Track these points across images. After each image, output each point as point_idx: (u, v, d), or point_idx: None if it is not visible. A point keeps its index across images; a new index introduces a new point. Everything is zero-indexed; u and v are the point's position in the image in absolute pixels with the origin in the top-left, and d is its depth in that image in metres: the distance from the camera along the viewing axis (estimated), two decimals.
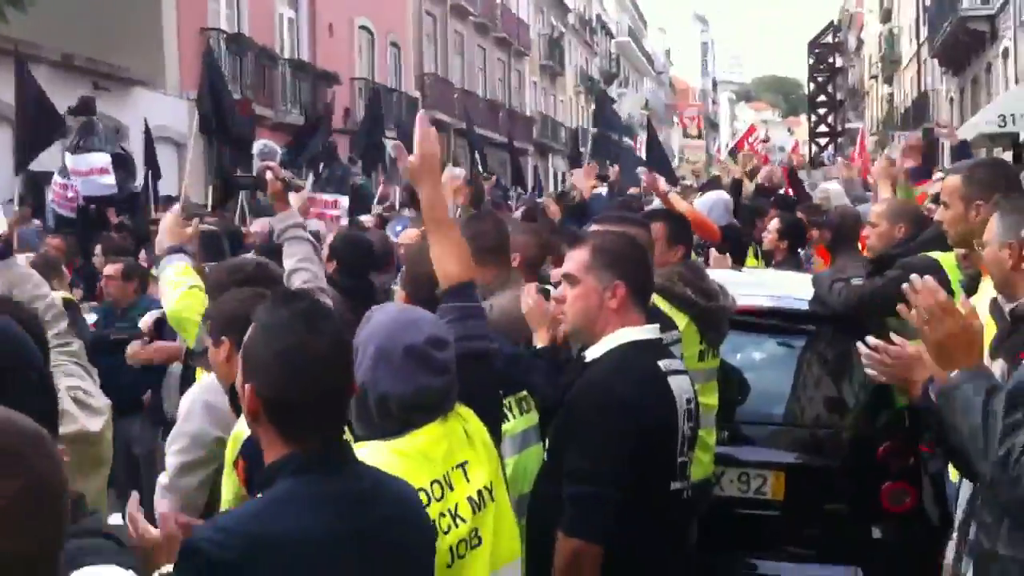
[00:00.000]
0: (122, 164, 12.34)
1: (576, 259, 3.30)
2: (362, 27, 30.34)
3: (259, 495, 2.18)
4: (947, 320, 2.61)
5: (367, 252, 6.04)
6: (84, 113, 13.27)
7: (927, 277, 2.76)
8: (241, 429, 3.03)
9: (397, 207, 13.02)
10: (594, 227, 4.84)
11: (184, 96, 20.32)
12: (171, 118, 18.69)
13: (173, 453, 3.59)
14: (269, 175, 4.25)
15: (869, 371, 3.04)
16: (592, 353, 3.26)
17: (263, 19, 24.61)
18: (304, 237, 4.07)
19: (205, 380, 3.70)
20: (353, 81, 28.86)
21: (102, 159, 11.74)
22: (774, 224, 8.14)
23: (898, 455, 4.92)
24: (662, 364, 3.22)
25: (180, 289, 4.37)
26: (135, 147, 17.91)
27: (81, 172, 11.74)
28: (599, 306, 3.23)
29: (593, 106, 49.18)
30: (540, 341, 3.89)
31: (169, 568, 2.11)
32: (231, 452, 3.07)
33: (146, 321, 6.34)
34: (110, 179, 11.63)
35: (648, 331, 3.28)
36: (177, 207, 5.32)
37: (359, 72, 29.68)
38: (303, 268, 3.98)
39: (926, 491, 4.92)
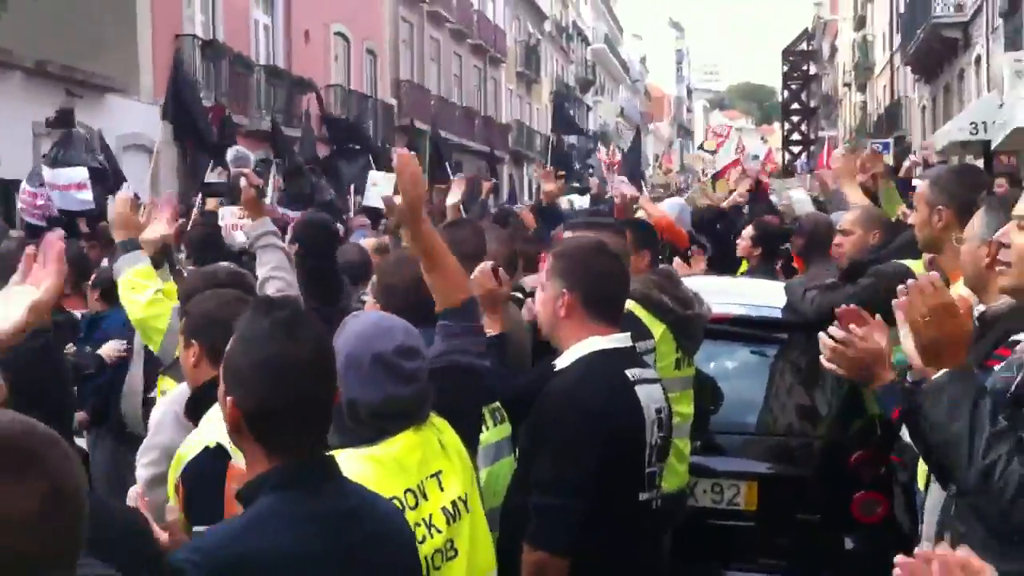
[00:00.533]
0: (100, 178, 11.99)
1: (545, 265, 3.36)
2: (338, 33, 30.27)
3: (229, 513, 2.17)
4: (948, 321, 2.59)
5: (330, 233, 5.97)
6: (63, 125, 12.98)
7: (934, 274, 2.73)
8: (186, 450, 2.98)
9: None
10: (566, 233, 4.86)
11: (158, 103, 20.20)
12: (145, 125, 18.57)
13: (143, 466, 3.55)
14: (243, 182, 4.23)
15: (828, 364, 3.01)
16: (561, 362, 3.26)
17: (238, 25, 24.52)
18: (277, 245, 4.05)
19: (175, 391, 3.67)
20: (329, 88, 28.77)
21: (80, 174, 11.51)
22: (748, 231, 8.17)
23: (870, 464, 4.92)
24: (630, 373, 3.22)
25: (145, 294, 4.28)
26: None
27: (58, 186, 11.51)
28: (555, 313, 3.26)
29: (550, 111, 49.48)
30: (492, 328, 3.76)
31: None
32: (172, 474, 3.01)
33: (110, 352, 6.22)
34: (87, 195, 11.36)
35: (616, 340, 3.27)
36: (127, 191, 5.19)
37: (335, 79, 29.60)
38: (276, 276, 3.96)
39: (898, 501, 4.92)
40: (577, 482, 3.02)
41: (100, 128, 13.98)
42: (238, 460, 2.71)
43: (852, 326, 2.84)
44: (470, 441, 2.95)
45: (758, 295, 5.97)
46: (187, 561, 2.00)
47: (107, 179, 12.13)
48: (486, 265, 3.87)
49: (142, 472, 3.55)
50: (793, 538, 4.99)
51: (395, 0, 34.23)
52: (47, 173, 11.62)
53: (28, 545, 1.41)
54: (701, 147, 17.27)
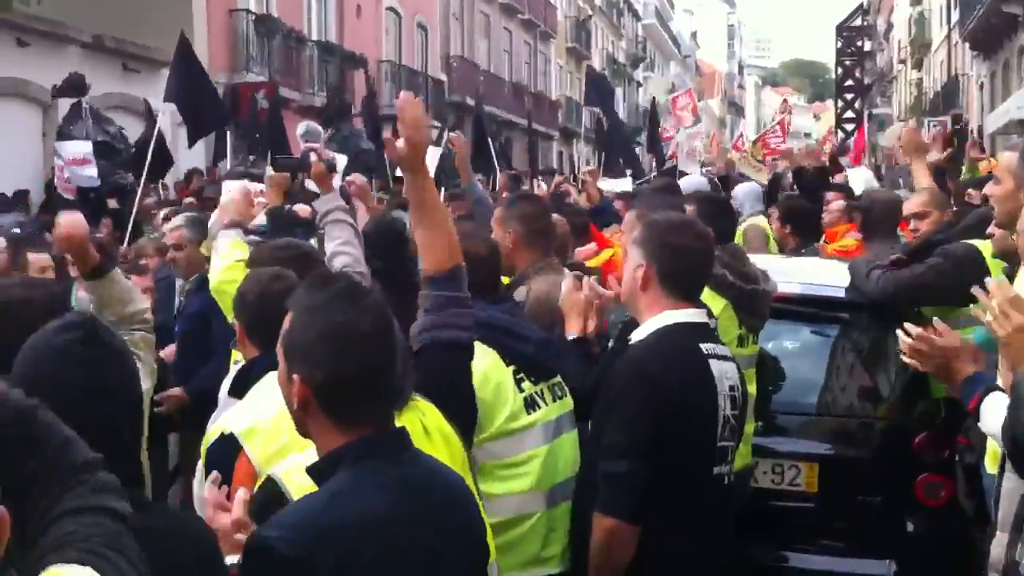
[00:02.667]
0: (107, 153, 11.51)
1: (632, 228, 3.47)
2: (389, 8, 30.28)
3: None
4: (1014, 315, 2.55)
5: (398, 234, 5.98)
6: (73, 94, 12.28)
7: (1001, 277, 2.71)
8: (211, 432, 3.00)
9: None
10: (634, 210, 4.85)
11: (213, 79, 20.34)
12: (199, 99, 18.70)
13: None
14: (313, 157, 4.23)
15: (908, 360, 2.97)
16: (637, 335, 3.30)
17: (291, 1, 24.60)
18: (346, 220, 4.04)
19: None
20: (380, 63, 28.82)
21: (83, 148, 11.15)
22: (774, 211, 8.14)
23: (934, 446, 4.86)
24: (704, 347, 3.22)
25: (225, 260, 4.31)
26: (165, 129, 18.02)
27: (67, 160, 11.29)
28: (633, 280, 3.30)
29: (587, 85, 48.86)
30: (572, 330, 3.86)
31: (233, 559, 2.08)
32: (202, 453, 3.02)
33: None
34: (91, 170, 11.05)
35: (691, 315, 3.29)
36: (247, 183, 5.21)
37: (386, 54, 29.63)
38: (344, 252, 3.96)
39: (961, 484, 4.86)
40: (643, 448, 3.03)
41: (157, 104, 14.04)
42: (250, 451, 2.75)
43: (923, 331, 2.85)
44: (461, 421, 2.86)
45: (819, 274, 5.90)
46: (278, 539, 1.99)
47: (117, 154, 11.75)
48: (571, 276, 3.90)
49: None
50: (854, 520, 4.93)
51: None
52: (57, 145, 11.53)
53: None
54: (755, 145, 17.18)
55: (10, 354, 2.06)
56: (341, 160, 10.44)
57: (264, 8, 23.18)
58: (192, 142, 11.53)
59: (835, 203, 8.32)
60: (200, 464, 3.04)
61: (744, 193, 9.69)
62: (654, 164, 20.47)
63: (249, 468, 2.76)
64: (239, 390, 3.17)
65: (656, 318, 3.26)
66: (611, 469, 3.07)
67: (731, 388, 3.24)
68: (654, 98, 20.04)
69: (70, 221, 3.57)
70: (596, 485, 3.13)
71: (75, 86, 12.28)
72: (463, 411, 2.91)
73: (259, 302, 3.25)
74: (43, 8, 15.21)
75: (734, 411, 3.25)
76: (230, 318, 4.27)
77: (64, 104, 12.51)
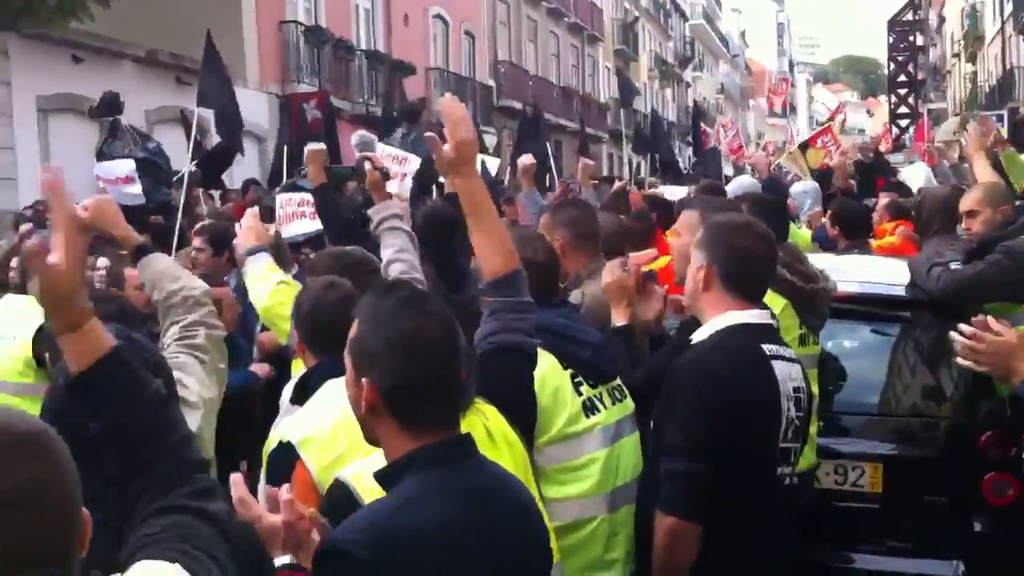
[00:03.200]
0: (150, 169, 11.24)
1: (695, 230, 3.44)
2: (436, 16, 30.44)
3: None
4: None
5: (450, 223, 5.98)
6: (108, 113, 12.09)
7: None
8: (270, 440, 3.02)
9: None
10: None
11: (264, 89, 20.59)
12: (251, 112, 18.89)
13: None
14: (368, 165, 4.24)
15: (963, 361, 2.93)
16: (698, 335, 3.28)
17: (340, 10, 24.83)
18: (401, 228, 4.06)
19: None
20: (428, 71, 28.97)
21: (126, 167, 10.94)
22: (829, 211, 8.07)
23: (1000, 445, 4.77)
24: (767, 348, 3.19)
25: (269, 285, 4.33)
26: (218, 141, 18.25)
27: (109, 181, 11.06)
28: (694, 280, 3.29)
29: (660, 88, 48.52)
30: (618, 319, 3.87)
31: (285, 559, 2.10)
32: (263, 460, 3.05)
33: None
34: (136, 188, 10.83)
35: (754, 315, 3.26)
36: (255, 209, 5.27)
37: (434, 62, 29.79)
38: (400, 259, 3.97)
39: None
40: (704, 448, 3.00)
41: (209, 117, 14.19)
42: (307, 459, 2.77)
43: (977, 330, 2.81)
44: (523, 425, 2.85)
45: (880, 273, 5.83)
46: (350, 543, 2.01)
47: (159, 170, 11.43)
48: (614, 262, 3.90)
49: None
50: (920, 520, 4.86)
51: None
52: (96, 168, 11.19)
53: None
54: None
55: None
56: (414, 161, 10.31)
57: (313, 19, 23.41)
58: (230, 147, 11.51)
59: (881, 201, 8.24)
60: (262, 469, 3.06)
61: (802, 192, 9.59)
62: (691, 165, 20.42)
63: (306, 477, 2.78)
64: (300, 397, 3.21)
65: (719, 319, 3.25)
66: (672, 467, 3.05)
67: (795, 389, 3.20)
68: (695, 101, 19.77)
69: (97, 199, 3.62)
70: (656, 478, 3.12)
71: (111, 105, 12.16)
72: (525, 416, 2.91)
73: (314, 311, 3.29)
74: (98, 25, 15.46)
75: (799, 412, 3.21)
76: (283, 339, 4.31)
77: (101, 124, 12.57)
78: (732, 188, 8.53)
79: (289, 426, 2.99)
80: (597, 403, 3.49)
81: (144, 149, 11.36)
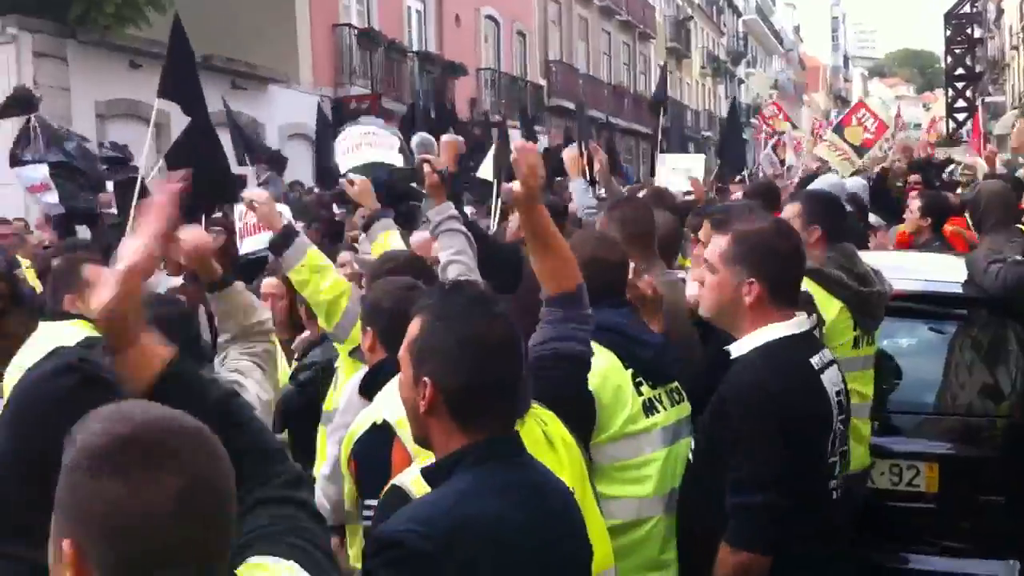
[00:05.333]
0: (67, 174, 9.75)
1: (716, 246, 3.20)
2: (488, 16, 30.51)
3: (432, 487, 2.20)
4: None
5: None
6: (16, 112, 10.22)
7: None
8: (356, 427, 3.07)
9: None
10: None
11: (317, 92, 20.78)
12: (304, 114, 19.13)
13: (334, 443, 3.67)
14: (426, 168, 4.27)
15: None
16: (737, 349, 3.16)
17: (392, 12, 24.99)
18: (459, 230, 4.08)
19: (363, 372, 3.77)
20: (479, 71, 29.05)
21: (39, 173, 9.60)
22: (916, 202, 7.89)
23: None
24: (814, 360, 3.13)
25: (331, 273, 4.30)
26: (271, 145, 18.45)
27: (29, 188, 9.86)
28: (734, 300, 3.14)
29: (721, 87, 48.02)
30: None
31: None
32: (345, 450, 3.10)
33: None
34: (52, 196, 9.56)
35: (797, 324, 3.16)
36: (263, 191, 5.11)
37: (485, 62, 29.86)
38: (458, 260, 4.01)
39: None
40: (776, 477, 2.91)
41: (263, 120, 14.33)
42: (404, 438, 2.78)
43: None
44: (579, 430, 2.85)
45: (935, 270, 5.77)
46: (408, 532, 2.04)
47: (79, 173, 9.88)
48: (649, 279, 3.86)
49: (332, 449, 3.67)
50: (977, 521, 4.80)
51: None
52: (18, 174, 9.90)
53: (159, 543, 1.40)
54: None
55: None
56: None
57: (366, 22, 23.57)
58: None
59: (914, 201, 8.12)
60: (341, 459, 3.10)
61: (853, 188, 9.49)
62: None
63: (405, 454, 2.82)
64: (369, 390, 3.25)
65: (759, 332, 3.13)
66: (742, 501, 2.95)
67: (838, 394, 3.15)
68: (735, 98, 19.20)
69: (195, 235, 3.67)
70: (705, 500, 3.04)
71: (21, 102, 10.27)
72: (580, 420, 2.90)
73: (395, 309, 3.30)
74: (154, 31, 15.70)
75: (841, 416, 3.16)
76: (329, 327, 4.30)
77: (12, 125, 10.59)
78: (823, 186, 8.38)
79: (380, 409, 3.02)
80: (657, 404, 3.49)
81: (60, 151, 9.84)
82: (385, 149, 7.94)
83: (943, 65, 51.62)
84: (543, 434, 2.65)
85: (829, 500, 3.13)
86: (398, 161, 8.14)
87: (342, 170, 8.15)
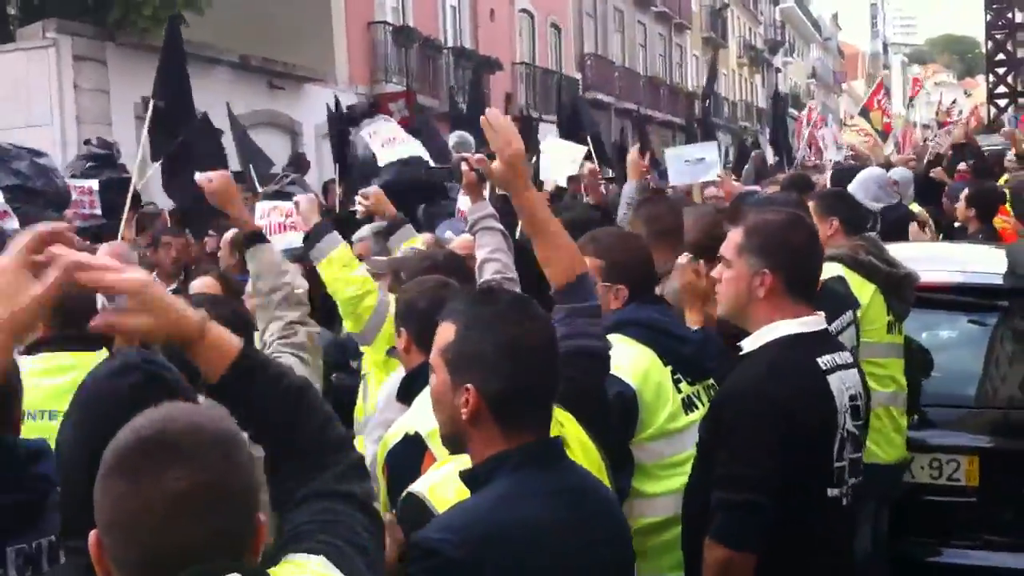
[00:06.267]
0: (25, 196, 8.83)
1: (730, 239, 3.14)
2: (522, 10, 30.48)
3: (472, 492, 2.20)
4: None
5: None
6: None
7: None
8: (390, 435, 3.06)
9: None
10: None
11: (353, 90, 20.88)
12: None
13: (372, 442, 3.69)
14: (464, 167, 4.28)
15: None
16: (748, 344, 3.10)
17: (427, 8, 25.03)
18: (496, 228, 4.10)
19: (401, 371, 3.79)
20: (515, 66, 29.04)
21: None
22: (964, 192, 7.82)
23: None
24: (822, 361, 3.01)
25: (359, 271, 4.33)
26: (308, 143, 18.56)
27: None
28: (748, 293, 3.06)
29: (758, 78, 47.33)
30: (692, 322, 3.78)
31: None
32: (380, 455, 3.10)
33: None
34: (13, 223, 8.35)
35: (809, 323, 3.07)
36: (308, 197, 5.10)
37: (519, 56, 29.84)
38: (495, 259, 4.02)
39: None
40: (765, 479, 2.85)
41: (301, 119, 14.34)
42: (436, 450, 2.77)
43: None
44: (597, 429, 2.80)
45: (975, 261, 5.72)
46: (441, 541, 2.05)
47: (35, 195, 8.82)
48: (686, 263, 3.82)
49: (371, 448, 3.69)
50: (1018, 514, 4.77)
51: None
52: None
53: (161, 541, 1.44)
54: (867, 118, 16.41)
55: (197, 374, 2.13)
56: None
57: (401, 19, 23.64)
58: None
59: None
60: (377, 468, 3.12)
61: (905, 179, 9.37)
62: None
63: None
64: (406, 395, 3.26)
65: (769, 328, 3.04)
66: (727, 497, 2.87)
67: (852, 398, 3.04)
68: (776, 90, 18.63)
69: (223, 175, 3.69)
70: (706, 505, 2.97)
71: None
72: (598, 419, 2.84)
73: (431, 310, 3.29)
74: (192, 32, 15.83)
75: (856, 422, 3.04)
76: (358, 328, 4.32)
77: None
78: (864, 179, 8.25)
79: (413, 420, 3.01)
80: (696, 400, 3.48)
81: (10, 173, 8.97)
82: (416, 143, 7.99)
83: (983, 51, 50.90)
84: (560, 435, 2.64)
85: (830, 507, 2.99)
86: (427, 155, 8.19)
87: (381, 162, 8.12)
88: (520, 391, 2.19)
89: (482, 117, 2.90)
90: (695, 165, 9.62)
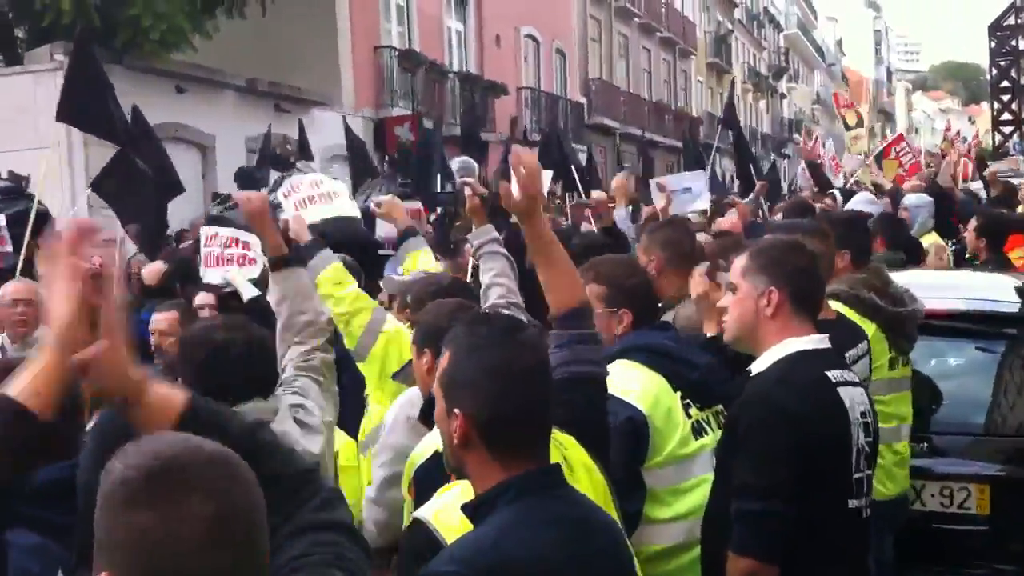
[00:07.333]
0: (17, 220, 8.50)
1: (735, 265, 3.22)
2: (528, 36, 30.61)
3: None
4: None
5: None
6: None
7: None
8: (418, 453, 3.07)
9: None
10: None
11: (359, 114, 20.94)
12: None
13: (379, 466, 3.68)
14: (467, 191, 4.29)
15: None
16: (757, 366, 3.14)
17: (432, 34, 25.13)
18: (500, 252, 4.10)
19: (408, 394, 3.78)
20: (520, 91, 29.14)
21: None
22: (972, 222, 7.82)
23: None
24: (831, 374, 3.07)
25: (349, 289, 4.31)
26: (314, 167, 18.57)
27: None
28: (755, 313, 3.12)
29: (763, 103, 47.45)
30: (709, 329, 3.82)
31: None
32: (407, 475, 3.11)
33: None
34: (7, 246, 8.52)
35: (816, 340, 3.13)
36: (296, 216, 5.07)
37: (525, 81, 29.95)
38: (498, 283, 4.02)
39: None
40: (780, 486, 2.89)
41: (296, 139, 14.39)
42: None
43: None
44: (601, 453, 2.81)
45: (983, 288, 5.71)
46: (450, 573, 2.04)
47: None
48: (701, 273, 3.85)
49: (378, 472, 3.68)
50: None
51: None
52: None
53: (189, 571, 1.41)
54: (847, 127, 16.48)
55: (215, 395, 2.08)
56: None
57: (407, 43, 23.73)
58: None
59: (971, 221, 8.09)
60: (403, 485, 3.12)
61: (916, 205, 9.35)
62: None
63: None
64: (428, 418, 3.25)
65: (777, 347, 3.10)
66: (745, 508, 2.91)
67: (863, 415, 3.08)
68: (728, 118, 17.42)
69: (259, 196, 3.69)
70: (726, 518, 2.99)
71: None
72: (602, 443, 2.85)
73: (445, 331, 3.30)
74: (200, 56, 15.92)
75: (868, 439, 3.09)
76: (351, 344, 4.32)
77: None
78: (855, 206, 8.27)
79: (438, 437, 3.02)
80: (705, 426, 3.48)
81: None
82: (339, 200, 7.13)
83: (988, 77, 51.00)
84: (563, 459, 2.61)
85: (850, 518, 3.04)
86: (354, 210, 7.45)
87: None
88: (509, 416, 2.17)
89: (511, 155, 2.97)
90: (681, 195, 9.62)
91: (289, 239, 4.15)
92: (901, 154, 16.94)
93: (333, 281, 4.32)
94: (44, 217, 8.20)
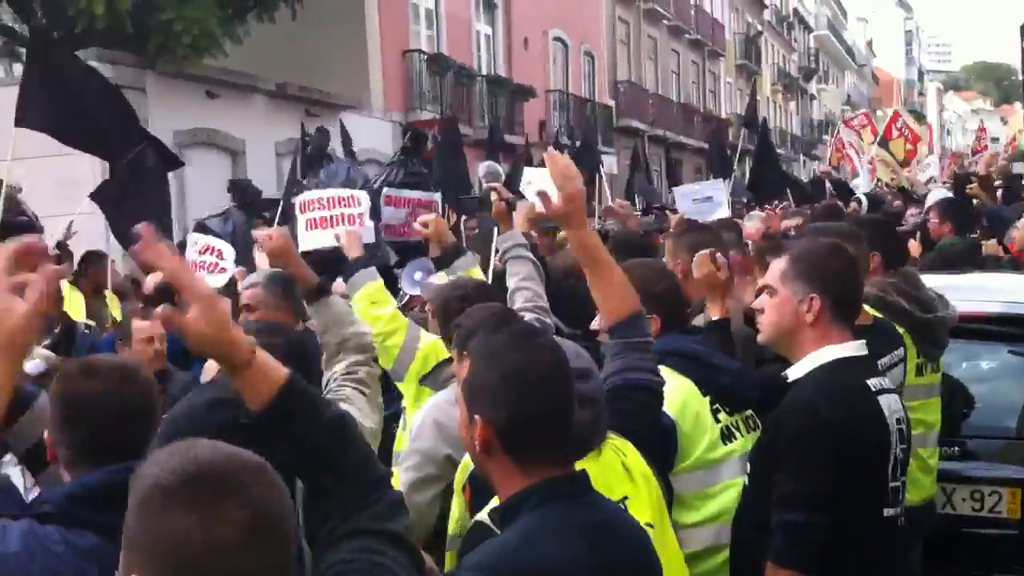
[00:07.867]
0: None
1: (774, 268, 3.19)
2: (556, 38, 30.61)
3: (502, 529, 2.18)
4: None
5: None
6: None
7: None
8: (465, 461, 3.09)
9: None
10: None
11: (388, 118, 21.03)
12: (377, 140, 19.35)
13: (405, 469, 3.70)
14: (494, 196, 4.30)
15: None
16: (795, 372, 3.12)
17: (461, 37, 25.19)
18: (527, 256, 4.11)
19: (436, 398, 3.79)
20: (548, 93, 29.14)
21: None
22: (1022, 221, 7.84)
23: None
24: (871, 383, 3.05)
25: (387, 309, 4.31)
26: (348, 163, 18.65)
27: None
28: (795, 319, 3.09)
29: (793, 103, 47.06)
30: (713, 312, 3.80)
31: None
32: (460, 476, 3.14)
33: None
34: None
35: (854, 348, 3.10)
36: (348, 230, 5.03)
37: (553, 84, 29.94)
38: (525, 287, 4.03)
39: None
40: (823, 497, 2.86)
41: (336, 147, 14.40)
42: None
43: None
44: (656, 461, 2.81)
45: (1016, 291, 5.66)
46: None
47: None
48: (704, 253, 3.82)
49: (403, 476, 3.70)
50: None
51: (612, 0, 34.33)
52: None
53: (227, 574, 1.42)
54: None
55: None
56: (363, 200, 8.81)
57: (435, 47, 23.80)
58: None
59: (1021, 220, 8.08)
60: (459, 488, 3.14)
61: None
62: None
63: None
64: None
65: (816, 354, 3.07)
66: (787, 519, 2.88)
67: (898, 421, 3.06)
68: (754, 110, 16.79)
69: (279, 234, 3.71)
70: (760, 527, 2.97)
71: None
72: (656, 450, 2.86)
73: None
74: (230, 61, 16.03)
75: (903, 445, 3.07)
76: (388, 364, 4.31)
77: None
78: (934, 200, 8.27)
79: None
80: (734, 431, 3.48)
81: None
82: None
83: (1020, 77, 50.50)
84: (622, 465, 2.62)
85: (887, 527, 3.03)
86: (369, 236, 6.91)
87: (302, 247, 6.57)
88: (527, 421, 2.17)
89: (544, 155, 2.94)
90: (702, 203, 9.60)
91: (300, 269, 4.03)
92: (903, 128, 16.81)
93: (369, 300, 4.31)
94: (28, 226, 7.91)
